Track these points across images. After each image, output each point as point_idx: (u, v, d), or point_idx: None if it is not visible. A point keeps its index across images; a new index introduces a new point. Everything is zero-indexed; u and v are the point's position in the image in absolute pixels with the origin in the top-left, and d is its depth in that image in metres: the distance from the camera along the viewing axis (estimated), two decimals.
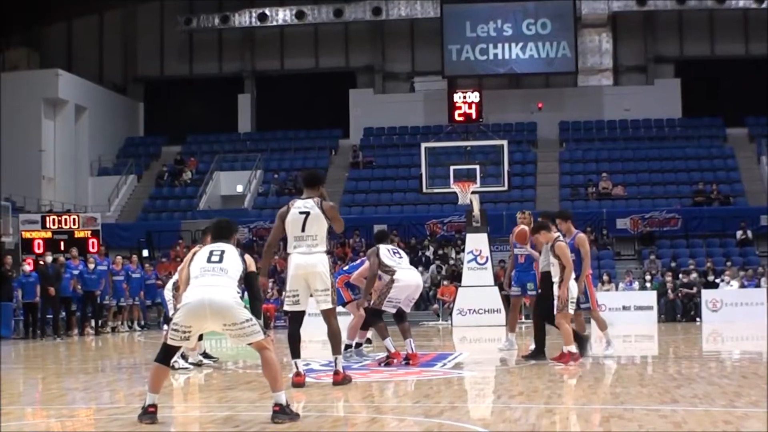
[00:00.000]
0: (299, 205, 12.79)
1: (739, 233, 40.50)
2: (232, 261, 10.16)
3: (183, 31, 52.95)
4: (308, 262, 12.71)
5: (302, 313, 13.01)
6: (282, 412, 9.68)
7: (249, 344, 9.87)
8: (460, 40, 50.07)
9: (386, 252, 15.97)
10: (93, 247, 36.33)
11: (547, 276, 16.29)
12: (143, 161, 51.97)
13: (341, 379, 13.00)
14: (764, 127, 48.11)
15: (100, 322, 31.78)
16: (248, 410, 11.04)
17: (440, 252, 39.54)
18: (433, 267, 38.35)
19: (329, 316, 12.97)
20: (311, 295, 12.95)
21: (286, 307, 13.11)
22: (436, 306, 35.67)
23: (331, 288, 12.86)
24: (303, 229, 12.69)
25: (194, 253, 10.42)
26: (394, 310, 15.96)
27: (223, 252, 10.22)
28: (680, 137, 49.74)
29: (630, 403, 11.05)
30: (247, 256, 10.53)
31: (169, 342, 9.98)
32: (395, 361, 15.70)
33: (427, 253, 39.29)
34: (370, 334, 19.28)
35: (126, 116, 53.70)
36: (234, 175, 49.08)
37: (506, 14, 50.08)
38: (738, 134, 49.57)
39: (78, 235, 37.15)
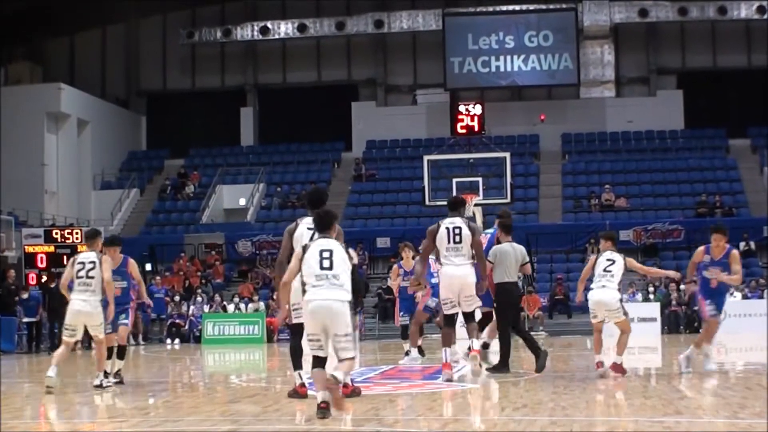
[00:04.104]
0: (308, 221, 12.92)
1: (741, 244, 40.40)
2: (342, 264, 11.20)
3: (185, 44, 53.00)
4: None
5: (302, 326, 12.86)
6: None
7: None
8: (462, 53, 50.11)
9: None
10: None
11: (505, 286, 16.61)
12: (146, 175, 51.96)
13: (350, 392, 12.94)
14: (767, 138, 48.07)
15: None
16: (252, 424, 11.05)
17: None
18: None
19: None
20: None
21: (295, 320, 12.98)
22: (439, 319, 35.57)
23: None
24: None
25: (301, 254, 11.35)
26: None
27: (331, 253, 11.20)
28: (683, 149, 49.71)
29: (634, 414, 11.06)
30: (350, 250, 11.64)
31: (313, 353, 11.18)
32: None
33: None
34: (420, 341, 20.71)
35: (128, 130, 53.72)
36: (237, 189, 49.09)
37: (508, 26, 50.12)
38: (741, 145, 49.52)
39: (81, 249, 37.13)
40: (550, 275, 39.87)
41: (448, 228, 15.26)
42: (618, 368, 16.01)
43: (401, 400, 13.24)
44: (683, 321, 34.44)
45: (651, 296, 35.85)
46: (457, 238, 15.17)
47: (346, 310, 11.09)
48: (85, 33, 54.01)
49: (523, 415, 11.38)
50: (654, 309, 34.05)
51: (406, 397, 13.56)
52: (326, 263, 11.24)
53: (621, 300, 16.15)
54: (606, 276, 16.07)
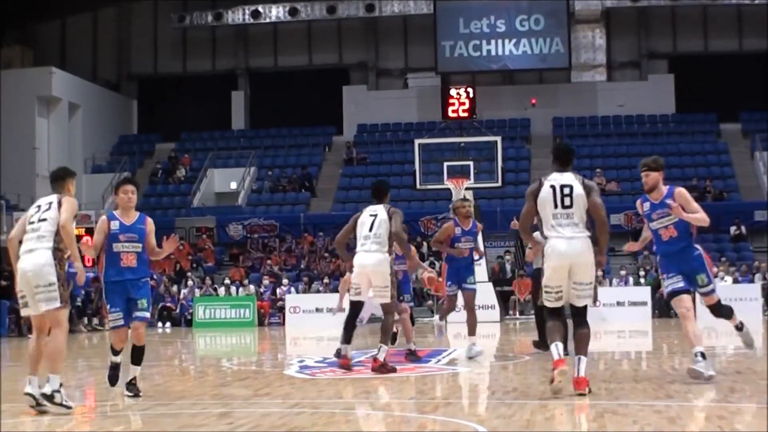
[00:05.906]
0: (370, 209, 14.50)
1: (732, 229, 40.51)
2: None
3: (176, 28, 52.88)
4: (371, 262, 14.22)
5: (361, 304, 14.59)
6: None
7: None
8: (454, 37, 50.04)
9: None
10: None
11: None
12: (137, 159, 51.88)
13: (377, 367, 14.09)
14: (758, 122, 48.08)
15: (95, 319, 31.81)
16: (243, 407, 11.05)
17: (434, 248, 39.50)
18: (427, 263, 38.27)
19: (385, 310, 14.44)
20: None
21: (351, 297, 14.59)
22: (430, 302, 35.65)
23: (391, 285, 14.21)
24: (371, 229, 14.29)
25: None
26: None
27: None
28: (674, 133, 49.71)
29: (624, 398, 11.07)
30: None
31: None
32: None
33: (422, 250, 39.27)
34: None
35: (120, 114, 53.62)
36: (228, 172, 49.03)
37: (499, 10, 50.03)
38: (732, 130, 49.53)
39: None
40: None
41: (553, 186, 11.40)
42: None
43: (392, 383, 13.26)
44: None
45: (642, 280, 35.87)
46: (567, 200, 11.32)
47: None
48: (77, 17, 53.86)
49: (514, 398, 11.40)
50: (645, 293, 34.05)
51: (397, 380, 13.58)
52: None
53: None
54: None
